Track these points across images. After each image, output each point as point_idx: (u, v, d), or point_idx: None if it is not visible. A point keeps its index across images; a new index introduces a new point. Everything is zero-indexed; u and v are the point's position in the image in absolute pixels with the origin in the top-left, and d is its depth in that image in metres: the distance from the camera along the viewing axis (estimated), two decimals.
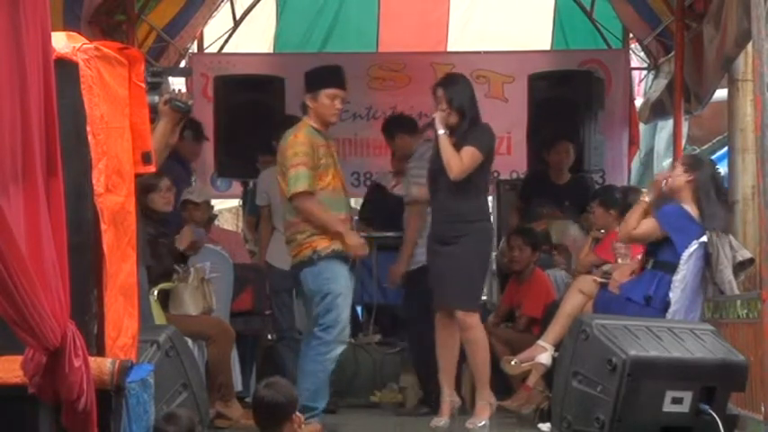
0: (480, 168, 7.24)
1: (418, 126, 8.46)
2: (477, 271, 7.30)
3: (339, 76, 7.28)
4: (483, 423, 7.12)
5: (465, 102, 7.31)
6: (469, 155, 7.14)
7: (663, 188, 6.99)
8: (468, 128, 7.24)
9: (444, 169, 7.16)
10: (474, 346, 7.25)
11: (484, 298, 8.84)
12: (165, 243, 7.33)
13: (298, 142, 7.03)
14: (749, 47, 7.08)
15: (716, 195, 6.87)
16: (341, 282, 7.06)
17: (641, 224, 6.94)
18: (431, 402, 7.93)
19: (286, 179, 7.06)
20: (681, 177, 6.90)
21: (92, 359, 3.58)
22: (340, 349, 7.08)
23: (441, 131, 7.19)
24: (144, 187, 7.25)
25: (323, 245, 7.04)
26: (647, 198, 7.14)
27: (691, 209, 6.84)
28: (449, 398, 7.30)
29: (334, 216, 7.05)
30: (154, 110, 5.08)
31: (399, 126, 8.73)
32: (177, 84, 10.03)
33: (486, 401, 7.21)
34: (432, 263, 7.41)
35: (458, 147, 7.17)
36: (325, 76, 7.29)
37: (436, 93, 7.34)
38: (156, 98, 5.24)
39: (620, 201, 8.26)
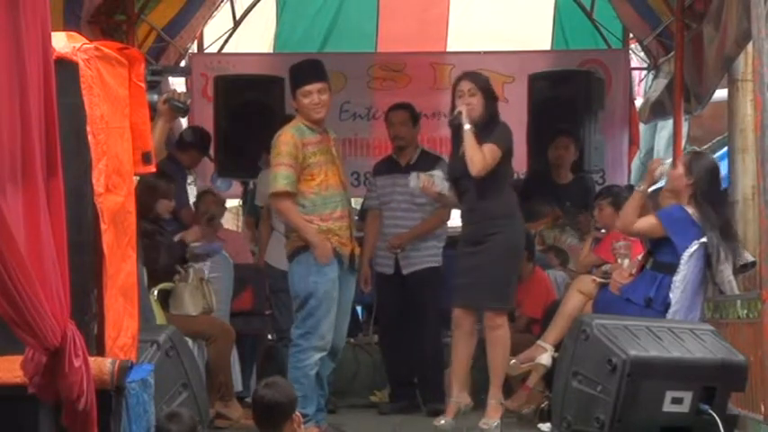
0: (501, 166, 7.09)
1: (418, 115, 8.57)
2: (507, 269, 7.15)
3: (309, 71, 7.22)
4: (496, 423, 7.04)
5: (490, 90, 7.25)
6: (490, 151, 7.02)
7: (656, 176, 7.00)
8: (488, 123, 7.13)
9: (467, 172, 7.03)
10: (497, 346, 7.13)
11: None
12: (164, 242, 7.32)
13: (280, 141, 7.02)
14: (749, 47, 7.08)
15: (710, 194, 6.87)
16: (327, 286, 6.96)
17: (642, 220, 6.93)
18: (408, 398, 8.28)
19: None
20: (682, 180, 6.90)
21: (92, 359, 3.58)
22: (318, 356, 6.96)
23: (467, 126, 7.03)
24: (153, 189, 7.23)
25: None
26: (641, 188, 7.12)
27: (691, 210, 6.83)
28: (455, 398, 7.19)
29: (326, 215, 6.98)
30: (152, 108, 5.09)
31: (400, 107, 8.69)
32: (177, 84, 10.05)
33: (497, 401, 7.13)
34: (462, 263, 7.22)
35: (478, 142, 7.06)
36: (296, 75, 7.25)
37: (459, 87, 7.20)
38: (156, 97, 5.25)
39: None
